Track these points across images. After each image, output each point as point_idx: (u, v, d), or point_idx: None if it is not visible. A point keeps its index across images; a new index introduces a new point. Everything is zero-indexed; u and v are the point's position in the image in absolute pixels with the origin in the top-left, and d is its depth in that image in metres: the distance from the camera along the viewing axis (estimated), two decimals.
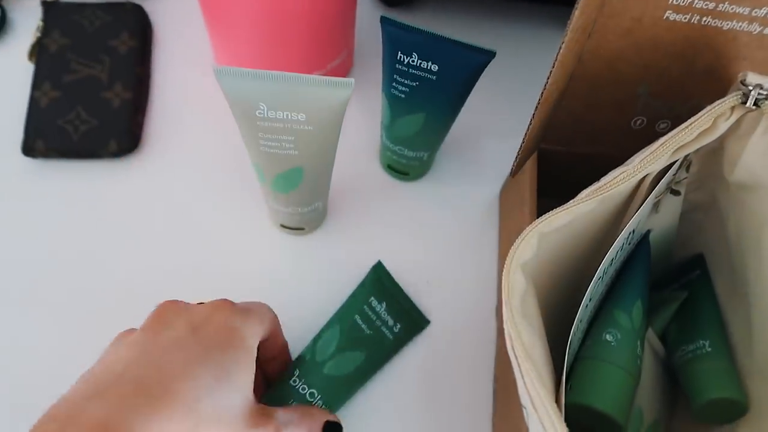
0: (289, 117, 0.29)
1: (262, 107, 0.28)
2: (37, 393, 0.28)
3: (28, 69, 0.44)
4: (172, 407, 0.24)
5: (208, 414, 0.25)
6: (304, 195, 0.35)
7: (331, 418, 0.33)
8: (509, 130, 0.44)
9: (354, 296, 0.37)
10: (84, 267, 0.39)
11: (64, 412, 0.23)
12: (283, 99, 0.28)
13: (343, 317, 0.36)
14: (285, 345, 0.35)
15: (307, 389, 0.34)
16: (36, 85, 0.42)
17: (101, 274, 0.39)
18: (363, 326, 0.36)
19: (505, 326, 0.24)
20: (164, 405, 0.24)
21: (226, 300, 0.30)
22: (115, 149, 0.41)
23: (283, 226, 0.39)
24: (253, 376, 0.28)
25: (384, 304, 0.37)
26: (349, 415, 0.36)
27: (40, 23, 0.44)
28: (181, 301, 0.29)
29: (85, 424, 0.22)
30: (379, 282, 0.38)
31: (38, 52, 0.43)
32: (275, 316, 0.32)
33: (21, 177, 0.41)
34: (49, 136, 0.40)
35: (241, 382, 0.27)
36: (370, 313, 0.36)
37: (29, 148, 0.40)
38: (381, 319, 0.37)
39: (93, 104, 0.41)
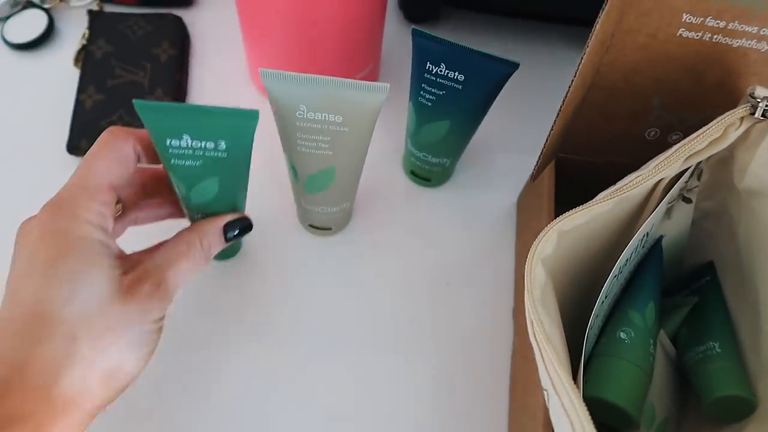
0: (327, 118, 0.31)
1: (302, 108, 0.30)
2: None
3: (73, 74, 0.46)
4: (42, 334, 0.26)
5: (75, 324, 0.26)
6: (334, 195, 0.37)
7: (228, 218, 0.32)
8: (527, 142, 0.46)
9: None
10: None
11: None
12: (322, 101, 0.30)
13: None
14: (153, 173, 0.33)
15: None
16: (81, 88, 0.44)
17: None
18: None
19: (527, 313, 0.26)
20: (38, 335, 0.26)
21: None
22: None
23: (311, 226, 0.41)
24: (98, 258, 0.27)
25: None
26: (366, 412, 0.38)
27: (86, 31, 0.47)
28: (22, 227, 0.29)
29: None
30: None
31: (84, 58, 0.46)
32: (116, 155, 0.30)
33: (65, 174, 0.43)
34: (93, 136, 0.42)
35: (86, 278, 0.27)
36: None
37: (74, 147, 0.43)
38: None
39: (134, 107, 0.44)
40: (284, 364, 0.38)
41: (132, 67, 0.45)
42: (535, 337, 0.25)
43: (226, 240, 0.33)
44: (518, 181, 0.45)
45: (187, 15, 0.50)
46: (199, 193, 0.31)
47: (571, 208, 0.28)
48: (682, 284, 0.39)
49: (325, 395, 0.38)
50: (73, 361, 0.26)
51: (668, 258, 0.38)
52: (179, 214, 0.35)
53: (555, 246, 0.28)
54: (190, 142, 0.29)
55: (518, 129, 0.48)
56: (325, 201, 0.38)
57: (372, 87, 0.30)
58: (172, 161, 0.30)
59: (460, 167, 0.46)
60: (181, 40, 0.48)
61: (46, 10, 0.48)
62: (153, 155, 0.31)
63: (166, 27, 0.47)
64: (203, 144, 0.29)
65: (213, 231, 0.32)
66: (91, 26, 0.47)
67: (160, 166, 0.31)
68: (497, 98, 0.36)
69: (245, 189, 0.34)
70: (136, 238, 0.33)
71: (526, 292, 0.26)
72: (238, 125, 0.29)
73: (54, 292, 0.26)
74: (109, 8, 0.50)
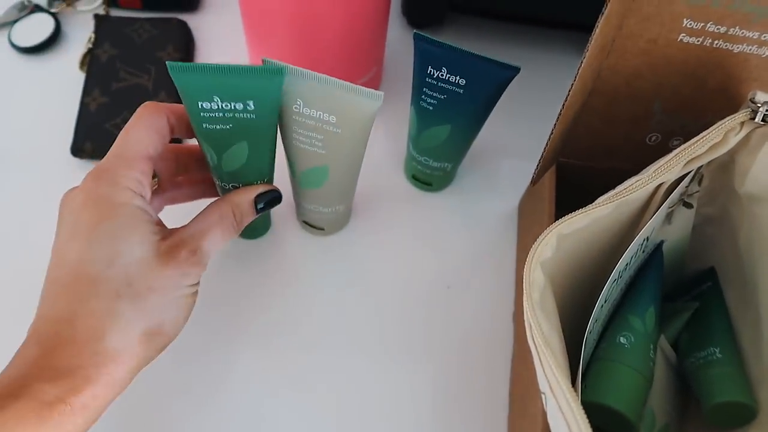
0: (321, 117, 0.31)
1: (299, 102, 0.31)
2: None
3: (79, 77, 0.47)
4: (88, 292, 0.27)
5: (118, 283, 0.28)
6: (327, 195, 0.37)
7: (260, 189, 0.34)
8: (528, 147, 0.46)
9: None
10: None
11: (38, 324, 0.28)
12: (317, 98, 0.31)
13: None
14: (188, 148, 0.35)
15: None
16: (86, 91, 0.45)
17: None
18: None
19: (525, 316, 0.26)
20: (84, 293, 0.27)
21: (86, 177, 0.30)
22: None
23: (305, 222, 0.42)
24: (138, 223, 0.29)
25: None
26: (364, 416, 0.38)
27: (92, 35, 0.47)
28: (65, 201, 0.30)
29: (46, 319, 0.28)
30: None
31: (89, 61, 0.46)
32: (152, 129, 0.31)
33: (68, 176, 0.43)
34: (97, 138, 0.43)
35: (127, 241, 0.28)
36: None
37: (78, 149, 0.43)
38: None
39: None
40: (281, 366, 0.38)
41: (136, 70, 0.46)
42: (533, 340, 0.25)
43: (257, 211, 0.34)
44: (519, 185, 0.45)
45: (192, 19, 0.50)
46: (230, 160, 0.33)
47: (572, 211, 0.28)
48: (683, 290, 0.39)
49: (322, 400, 0.38)
50: (116, 318, 0.27)
51: (669, 263, 0.38)
52: (213, 192, 0.37)
53: (554, 249, 0.28)
54: (220, 103, 0.30)
55: (520, 134, 0.48)
56: (318, 200, 0.38)
57: (366, 93, 0.30)
58: (204, 126, 0.31)
59: (461, 172, 0.46)
60: (185, 44, 0.48)
61: (53, 15, 0.49)
62: (185, 128, 0.32)
63: (170, 31, 0.48)
64: (233, 105, 0.30)
65: (245, 201, 0.34)
66: (97, 30, 0.47)
67: (193, 143, 0.33)
68: (499, 103, 0.37)
69: (273, 158, 0.35)
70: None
71: (524, 295, 0.26)
72: (266, 83, 0.30)
73: (97, 253, 0.28)
74: (115, 12, 0.50)
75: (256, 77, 0.30)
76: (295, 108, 0.31)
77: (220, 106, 0.30)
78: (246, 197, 0.34)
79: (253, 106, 0.30)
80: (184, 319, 0.31)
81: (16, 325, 0.38)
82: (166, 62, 0.29)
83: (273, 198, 0.35)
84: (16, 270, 0.40)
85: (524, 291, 0.27)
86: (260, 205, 0.34)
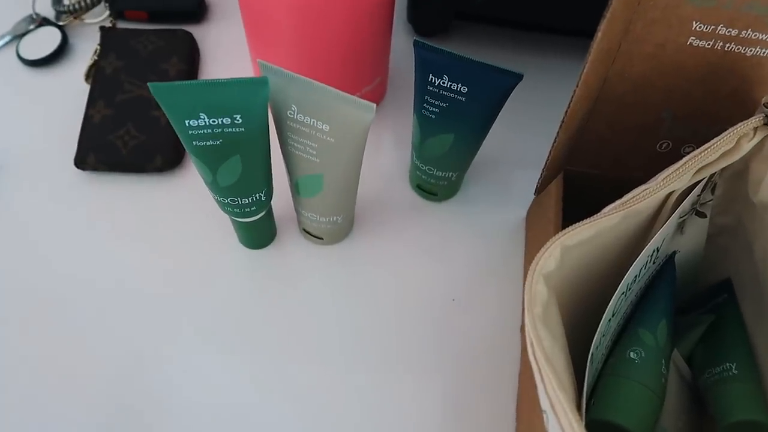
0: (315, 124, 0.31)
1: (293, 108, 0.31)
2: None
3: (85, 89, 0.47)
4: None
5: None
6: (323, 205, 0.37)
7: None
8: (535, 155, 0.45)
9: None
10: (126, 270, 0.41)
11: None
12: (310, 105, 0.30)
13: None
14: None
15: None
16: (91, 103, 0.45)
17: (141, 276, 0.41)
18: None
19: (526, 331, 0.25)
20: None
21: None
22: (160, 164, 0.43)
23: (305, 231, 0.41)
24: None
25: None
26: (374, 430, 0.37)
27: (98, 47, 0.47)
28: None
29: None
30: None
31: (94, 73, 0.46)
32: None
33: (72, 188, 0.44)
34: (100, 150, 0.43)
35: None
36: None
37: (81, 161, 0.43)
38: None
39: (142, 122, 0.44)
40: (283, 378, 0.38)
41: (141, 82, 0.46)
42: (534, 356, 0.24)
43: None
44: (527, 195, 0.44)
45: (197, 31, 0.50)
46: (225, 175, 0.32)
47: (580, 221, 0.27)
48: (697, 302, 0.37)
49: (322, 414, 0.37)
50: None
51: (683, 275, 0.36)
52: None
53: (559, 262, 0.27)
54: (207, 120, 0.29)
55: (528, 141, 0.47)
56: (315, 208, 0.37)
57: (359, 103, 0.30)
58: (194, 143, 0.30)
59: (467, 181, 0.45)
60: (190, 55, 0.48)
61: (60, 28, 0.49)
62: None
63: (175, 42, 0.48)
64: (220, 120, 0.30)
65: None
66: (103, 42, 0.47)
67: None
68: (506, 110, 0.36)
69: (269, 169, 0.35)
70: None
71: (526, 309, 0.25)
72: (251, 95, 0.30)
73: None
74: (122, 25, 0.50)
75: (240, 90, 0.29)
76: (290, 114, 0.31)
77: (207, 123, 0.29)
78: None
79: (240, 120, 0.30)
80: None
81: (21, 335, 0.38)
82: (148, 84, 0.28)
83: None
84: (19, 281, 0.40)
85: (526, 305, 0.26)
86: None
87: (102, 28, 0.48)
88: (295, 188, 0.37)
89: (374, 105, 0.30)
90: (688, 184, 0.29)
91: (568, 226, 0.35)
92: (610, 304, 0.28)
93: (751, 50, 0.30)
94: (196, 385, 0.37)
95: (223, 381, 0.38)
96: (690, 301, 0.38)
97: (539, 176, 0.36)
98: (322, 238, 0.41)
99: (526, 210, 0.44)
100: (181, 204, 0.44)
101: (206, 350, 0.38)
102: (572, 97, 0.30)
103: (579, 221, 0.27)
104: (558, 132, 0.32)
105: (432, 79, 0.34)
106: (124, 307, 0.40)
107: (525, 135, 0.47)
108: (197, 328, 0.39)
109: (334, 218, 0.38)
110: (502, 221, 0.44)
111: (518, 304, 0.41)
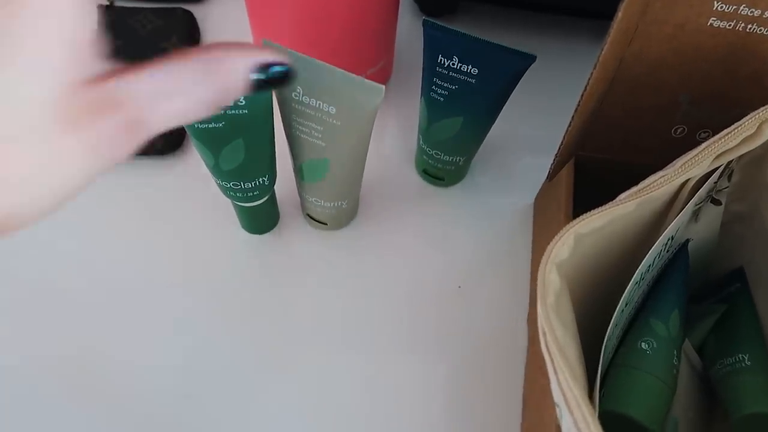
0: (321, 107, 0.30)
1: (298, 90, 0.29)
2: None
3: None
4: None
5: None
6: (328, 189, 0.36)
7: (267, 56, 0.20)
8: (545, 140, 0.44)
9: None
10: (124, 254, 0.40)
11: None
12: (317, 88, 0.29)
13: None
14: None
15: None
16: None
17: (141, 261, 0.40)
18: None
19: (539, 322, 0.24)
20: None
21: None
22: (161, 147, 0.42)
23: (309, 216, 0.40)
24: (58, 40, 0.16)
25: None
26: (371, 420, 0.36)
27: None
28: None
29: None
30: None
31: None
32: None
33: None
34: None
35: (28, 59, 0.15)
36: None
37: None
38: None
39: None
40: (285, 364, 0.37)
41: (139, 61, 0.44)
42: (547, 347, 0.24)
43: (253, 86, 0.20)
44: (536, 180, 0.43)
45: (197, 10, 0.49)
46: (228, 159, 0.32)
47: (590, 209, 0.26)
48: (710, 291, 0.36)
49: (326, 400, 0.36)
50: None
51: (695, 262, 0.35)
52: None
53: (572, 250, 0.26)
54: None
55: (537, 126, 0.46)
56: (319, 193, 0.37)
57: (367, 86, 0.29)
58: (196, 126, 0.30)
59: (474, 166, 0.44)
60: (190, 35, 0.47)
61: None
62: None
63: (175, 21, 0.46)
64: None
65: (239, 64, 0.19)
66: (100, 21, 0.46)
67: None
68: (515, 93, 0.35)
69: (273, 153, 0.34)
70: None
71: (539, 298, 0.25)
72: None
73: None
74: (120, 3, 0.49)
75: None
76: (295, 96, 0.30)
77: None
78: (242, 59, 0.19)
79: (244, 102, 0.29)
80: (48, 210, 0.18)
81: (19, 324, 0.37)
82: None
83: (281, 73, 0.20)
84: (17, 266, 0.39)
85: (538, 294, 0.25)
86: (260, 76, 0.20)
87: (99, 6, 0.47)
88: (299, 173, 0.36)
89: (383, 87, 0.29)
90: (706, 171, 0.28)
91: (577, 212, 0.34)
92: (624, 294, 0.27)
93: None
94: (196, 370, 0.37)
95: (225, 364, 0.37)
96: (702, 289, 0.37)
97: (552, 162, 0.35)
98: (326, 223, 0.40)
99: (534, 196, 0.43)
100: (183, 187, 0.43)
101: (208, 335, 0.38)
102: (589, 79, 0.29)
103: (588, 206, 0.26)
104: (573, 116, 0.31)
105: (441, 60, 0.33)
106: (122, 294, 0.39)
107: (534, 119, 0.46)
108: (199, 313, 0.38)
109: (339, 203, 0.38)
110: (509, 207, 0.43)
111: (525, 292, 0.40)
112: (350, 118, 0.30)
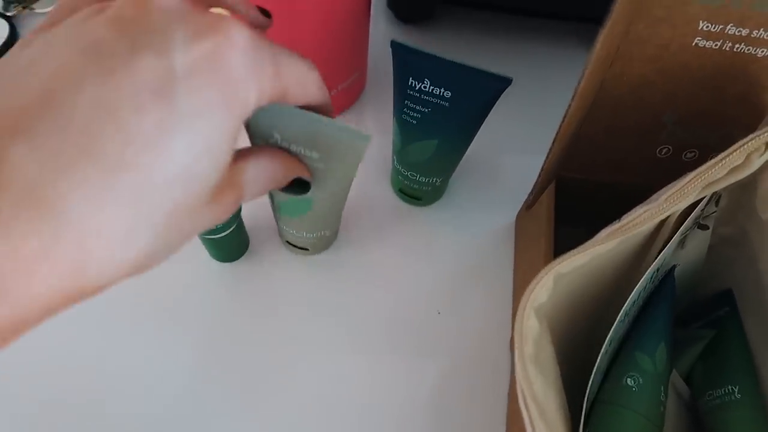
0: (302, 152, 0.27)
1: (276, 137, 0.27)
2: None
3: None
4: (85, 168, 0.16)
5: (155, 191, 0.17)
6: (310, 223, 0.34)
7: (304, 171, 0.27)
8: (527, 153, 0.42)
9: None
10: None
11: None
12: (296, 133, 0.26)
13: None
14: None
15: None
16: None
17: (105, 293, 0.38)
18: None
19: (517, 381, 0.22)
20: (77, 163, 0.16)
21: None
22: None
23: (288, 242, 0.39)
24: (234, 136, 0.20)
25: None
26: None
27: None
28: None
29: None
30: None
31: None
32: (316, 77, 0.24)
33: None
34: None
35: (216, 144, 0.19)
36: None
37: None
38: None
39: None
40: (261, 392, 0.36)
41: None
42: (525, 404, 0.22)
43: (284, 188, 0.27)
44: (518, 197, 0.41)
45: None
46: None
47: (577, 228, 0.24)
48: (697, 313, 0.35)
49: (312, 427, 0.35)
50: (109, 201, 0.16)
51: (682, 285, 0.34)
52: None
53: (551, 291, 0.25)
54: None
55: (519, 139, 0.44)
56: (301, 227, 0.34)
57: (353, 133, 0.25)
58: None
59: (454, 183, 0.42)
60: None
61: (8, 18, 0.45)
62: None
63: None
64: None
65: (290, 166, 0.27)
66: None
67: None
68: (496, 105, 0.32)
69: None
70: None
71: (516, 349, 0.23)
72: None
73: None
74: None
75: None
76: (272, 142, 0.27)
77: None
78: (298, 171, 0.27)
79: None
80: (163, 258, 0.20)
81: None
82: None
83: (302, 191, 0.29)
84: None
85: (516, 344, 0.23)
86: (297, 187, 0.28)
87: None
88: (277, 209, 0.34)
89: (369, 135, 0.26)
90: (691, 203, 0.26)
91: (562, 231, 0.32)
92: (607, 337, 0.26)
93: (762, 51, 0.27)
94: (166, 401, 0.35)
95: (196, 396, 0.35)
96: (689, 311, 0.36)
97: (532, 187, 0.33)
98: (307, 249, 0.39)
99: (516, 213, 0.42)
100: None
101: (178, 367, 0.36)
102: (567, 110, 0.27)
103: (573, 224, 0.24)
104: (550, 150, 0.29)
105: (412, 83, 0.31)
106: (88, 326, 0.37)
107: (513, 131, 0.44)
108: (167, 343, 0.37)
109: (322, 233, 0.36)
110: (490, 225, 0.41)
111: (508, 313, 0.39)
112: (334, 163, 0.27)
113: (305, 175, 0.27)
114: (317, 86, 0.24)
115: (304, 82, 0.23)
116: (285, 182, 0.26)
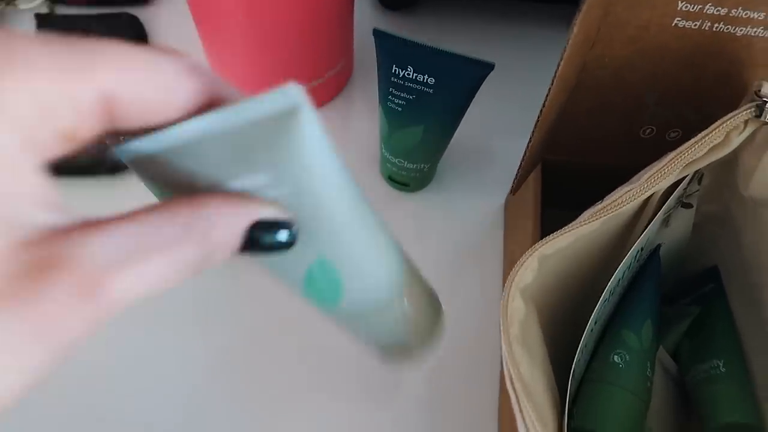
0: (246, 183, 0.17)
1: (199, 184, 0.17)
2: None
3: None
4: None
5: None
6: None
7: (266, 211, 0.16)
8: (515, 135, 0.42)
9: None
10: None
11: None
12: (211, 163, 0.16)
13: None
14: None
15: None
16: None
17: None
18: None
19: (503, 362, 0.23)
20: None
21: None
22: (112, 167, 0.40)
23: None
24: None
25: None
26: None
27: None
28: None
29: None
30: None
31: None
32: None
33: None
34: None
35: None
36: None
37: None
38: None
39: None
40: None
41: None
42: (512, 386, 0.23)
43: (249, 247, 0.16)
44: (506, 180, 0.42)
45: (143, 13, 0.46)
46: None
47: (564, 210, 0.25)
48: (683, 289, 0.36)
49: None
50: None
51: (667, 263, 0.35)
52: None
53: (536, 273, 0.25)
54: None
55: (505, 123, 0.44)
56: None
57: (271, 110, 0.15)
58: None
59: (442, 168, 0.42)
60: (137, 40, 0.44)
61: None
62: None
63: (120, 27, 0.44)
64: None
65: (232, 224, 0.16)
66: (39, 30, 0.43)
67: None
68: (482, 89, 0.32)
69: None
70: None
71: (502, 332, 0.24)
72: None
73: None
74: (61, 10, 0.46)
75: None
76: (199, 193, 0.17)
77: None
78: (235, 217, 0.16)
79: None
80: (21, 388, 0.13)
81: None
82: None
83: (283, 243, 0.17)
84: None
85: (501, 327, 0.24)
86: (262, 239, 0.16)
87: (37, 15, 0.44)
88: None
89: (299, 103, 0.16)
90: (673, 182, 0.27)
91: (549, 213, 0.33)
92: (593, 313, 0.26)
93: (741, 30, 0.27)
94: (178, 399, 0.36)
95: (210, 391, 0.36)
96: (676, 288, 0.36)
97: (515, 173, 0.34)
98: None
99: (506, 195, 0.42)
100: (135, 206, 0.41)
101: (196, 361, 0.36)
102: (547, 94, 0.27)
103: (560, 206, 0.25)
104: (532, 134, 0.30)
105: (396, 70, 0.31)
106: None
107: (500, 115, 0.44)
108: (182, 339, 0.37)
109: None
110: (480, 209, 0.42)
111: (499, 296, 0.39)
112: (290, 173, 0.17)
113: (262, 215, 0.16)
114: (170, 73, 0.15)
115: (133, 74, 0.14)
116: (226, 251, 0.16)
